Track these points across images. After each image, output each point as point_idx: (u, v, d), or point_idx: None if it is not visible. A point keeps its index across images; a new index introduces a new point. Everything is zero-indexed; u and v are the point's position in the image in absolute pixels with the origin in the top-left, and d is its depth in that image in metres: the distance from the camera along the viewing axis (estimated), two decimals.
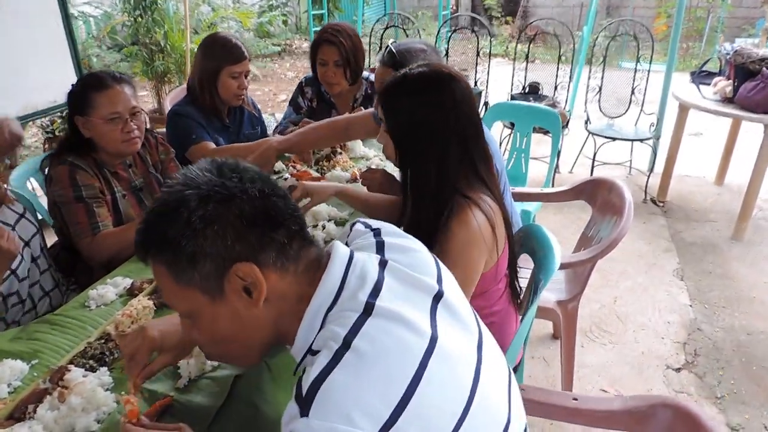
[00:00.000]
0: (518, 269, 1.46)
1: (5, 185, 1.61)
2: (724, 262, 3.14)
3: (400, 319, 0.73)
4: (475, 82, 4.27)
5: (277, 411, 1.03)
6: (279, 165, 2.10)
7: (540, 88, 4.10)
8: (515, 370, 1.54)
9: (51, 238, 1.82)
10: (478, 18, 4.46)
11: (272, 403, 1.05)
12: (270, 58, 8.85)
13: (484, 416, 0.73)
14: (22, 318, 1.56)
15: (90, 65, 6.79)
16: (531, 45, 4.22)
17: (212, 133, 2.11)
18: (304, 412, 0.64)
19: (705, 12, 8.06)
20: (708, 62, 3.62)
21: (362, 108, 2.34)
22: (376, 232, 0.93)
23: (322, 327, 0.76)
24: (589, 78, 4.07)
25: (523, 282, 1.59)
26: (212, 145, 2.05)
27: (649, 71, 3.89)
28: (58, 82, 3.27)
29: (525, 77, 4.17)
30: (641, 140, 3.80)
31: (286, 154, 2.12)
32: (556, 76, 4.07)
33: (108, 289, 1.35)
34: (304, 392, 0.66)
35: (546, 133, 3.45)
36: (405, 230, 1.33)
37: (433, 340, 0.72)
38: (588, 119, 3.95)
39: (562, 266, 1.81)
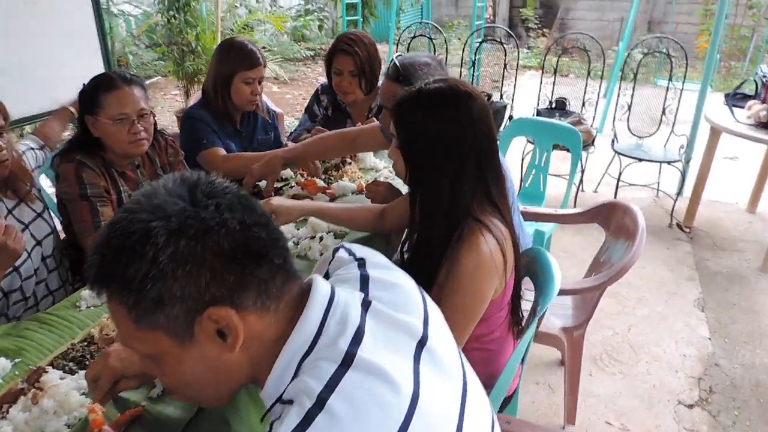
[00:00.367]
0: (522, 294, 1.41)
1: (29, 184, 1.65)
2: (750, 295, 3.01)
3: (382, 374, 0.66)
4: (501, 95, 4.21)
5: (250, 431, 1.01)
6: (287, 173, 2.10)
7: (567, 103, 4.02)
8: (509, 399, 1.49)
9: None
10: (505, 29, 4.39)
11: (246, 422, 1.03)
12: (303, 62, 8.93)
13: None
14: (23, 315, 1.59)
15: (127, 62, 6.97)
16: (566, 59, 4.15)
17: (224, 138, 2.12)
18: None
19: (749, 31, 7.81)
20: (744, 84, 3.48)
21: (375, 119, 2.32)
22: (361, 263, 0.87)
23: (295, 376, 0.69)
24: (618, 95, 3.96)
25: (527, 305, 1.54)
26: (222, 152, 2.06)
27: (682, 90, 3.77)
28: (87, 78, 3.35)
29: (552, 92, 4.09)
30: (669, 162, 3.68)
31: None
32: (584, 92, 3.98)
33: None
34: None
35: (569, 150, 3.37)
36: (413, 249, 1.31)
37: (415, 399, 0.66)
38: (615, 138, 3.85)
39: (568, 292, 1.77)
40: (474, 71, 4.71)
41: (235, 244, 0.66)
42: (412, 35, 4.36)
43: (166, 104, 6.39)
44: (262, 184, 1.95)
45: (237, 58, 2.05)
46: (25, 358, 1.16)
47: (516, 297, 1.36)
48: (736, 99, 3.38)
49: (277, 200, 1.57)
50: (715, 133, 3.40)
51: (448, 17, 11.60)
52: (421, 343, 0.75)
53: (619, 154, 3.77)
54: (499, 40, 4.27)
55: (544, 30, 10.33)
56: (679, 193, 3.87)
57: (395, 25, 9.02)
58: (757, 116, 3.07)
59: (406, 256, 1.32)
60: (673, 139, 3.84)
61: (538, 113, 4.04)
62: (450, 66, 5.72)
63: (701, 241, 3.55)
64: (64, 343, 1.20)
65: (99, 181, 1.67)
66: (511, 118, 4.02)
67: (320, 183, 1.94)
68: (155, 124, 1.83)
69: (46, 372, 1.06)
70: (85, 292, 1.36)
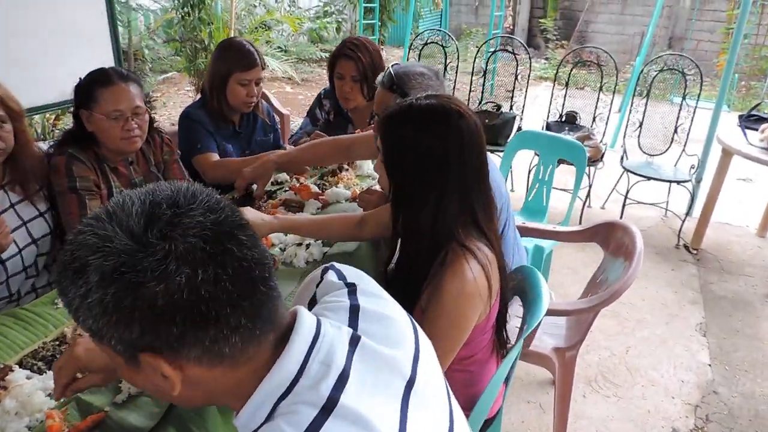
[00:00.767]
0: (508, 317, 1.38)
1: (39, 185, 1.65)
2: (754, 322, 2.93)
3: (364, 424, 0.62)
4: (512, 106, 4.17)
5: None
6: (283, 176, 2.08)
7: (578, 117, 3.96)
8: (491, 421, 1.45)
9: None
10: (519, 40, 4.35)
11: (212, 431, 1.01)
12: (318, 63, 8.94)
13: None
14: (3, 309, 1.58)
15: (143, 57, 7.02)
16: (583, 72, 4.10)
17: (220, 140, 2.11)
18: None
19: None
20: (759, 106, 3.41)
21: None
22: (351, 289, 0.81)
23: (270, 417, 0.64)
24: (630, 111, 3.90)
25: (518, 321, 1.51)
26: (215, 157, 2.05)
27: (695, 109, 3.71)
28: None
29: (564, 104, 4.04)
30: (679, 182, 3.61)
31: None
32: (596, 106, 3.93)
33: None
34: None
35: None
36: (395, 269, 1.28)
37: None
38: (625, 154, 3.79)
39: (558, 313, 1.72)
40: (486, 81, 4.67)
41: (172, 302, 0.57)
42: (425, 42, 4.33)
43: (179, 100, 6.42)
44: (255, 187, 1.93)
45: (233, 58, 2.03)
46: None
47: (501, 320, 1.32)
48: (750, 121, 3.31)
49: (249, 215, 1.52)
50: (727, 154, 3.33)
51: (467, 25, 11.56)
52: (410, 384, 0.71)
53: (628, 171, 3.71)
54: (511, 50, 4.23)
55: (563, 42, 10.26)
56: (688, 213, 3.79)
57: (413, 31, 9.02)
58: None
59: (389, 274, 1.29)
60: (684, 159, 3.78)
61: (548, 126, 3.99)
62: (462, 74, 5.68)
63: (708, 264, 3.48)
64: (36, 341, 1.19)
65: (89, 174, 1.67)
66: (519, 130, 3.98)
67: (314, 189, 1.91)
68: (152, 121, 1.83)
69: (12, 371, 1.05)
70: None
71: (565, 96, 4.01)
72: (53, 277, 1.72)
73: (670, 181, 3.66)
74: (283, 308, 0.69)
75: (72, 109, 1.74)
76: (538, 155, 3.45)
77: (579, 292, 3.03)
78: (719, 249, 3.66)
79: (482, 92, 4.48)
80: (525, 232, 2.15)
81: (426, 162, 1.15)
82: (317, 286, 0.87)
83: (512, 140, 2.89)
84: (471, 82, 4.54)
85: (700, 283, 3.27)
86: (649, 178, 3.61)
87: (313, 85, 7.92)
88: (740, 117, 3.40)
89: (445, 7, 9.85)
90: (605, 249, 2.02)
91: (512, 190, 4.27)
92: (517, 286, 1.53)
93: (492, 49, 4.66)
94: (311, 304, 0.85)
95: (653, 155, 3.84)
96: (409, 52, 4.64)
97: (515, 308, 1.67)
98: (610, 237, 1.98)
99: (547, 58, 9.99)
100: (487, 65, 4.36)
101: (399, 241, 1.23)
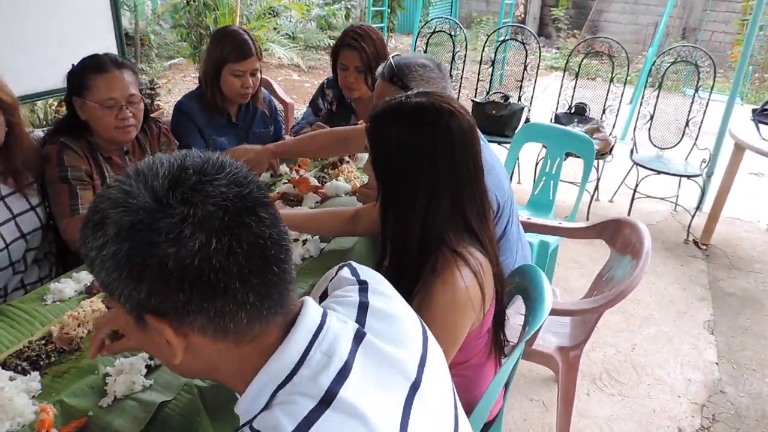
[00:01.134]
0: (507, 318, 1.33)
1: (33, 178, 1.62)
2: (762, 320, 2.88)
3: (362, 420, 0.61)
4: (520, 97, 4.09)
5: None
6: (283, 168, 2.04)
7: (587, 109, 3.88)
8: (491, 423, 1.42)
9: None
10: (528, 30, 4.26)
11: None
12: (325, 50, 8.85)
13: None
14: None
15: (149, 42, 6.97)
16: (595, 62, 4.01)
17: (211, 133, 2.06)
18: None
19: None
20: None
21: None
22: (363, 287, 0.80)
23: (268, 406, 0.63)
24: (641, 104, 3.82)
25: (520, 318, 1.46)
26: None
27: (708, 101, 3.62)
28: None
29: (572, 96, 3.96)
30: (689, 177, 3.54)
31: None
32: (606, 98, 3.85)
33: (67, 284, 1.31)
34: None
35: None
36: (385, 274, 1.23)
37: None
38: (635, 147, 3.71)
39: (562, 313, 1.68)
40: (495, 70, 4.59)
41: (183, 266, 0.57)
42: (432, 30, 4.25)
43: (185, 86, 6.37)
44: None
45: (227, 48, 1.96)
46: None
47: (499, 323, 1.27)
48: (764, 115, 3.22)
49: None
50: (739, 149, 3.25)
51: (477, 13, 11.40)
52: (414, 387, 0.70)
53: (638, 165, 3.63)
54: (521, 40, 4.14)
55: (575, 31, 10.10)
56: (698, 208, 3.72)
57: (422, 18, 8.89)
58: None
59: None
60: (695, 152, 3.69)
61: (557, 117, 3.91)
62: (473, 63, 5.59)
63: (717, 260, 3.42)
64: (22, 339, 1.16)
65: (81, 164, 1.63)
66: (527, 121, 3.91)
67: (313, 181, 1.87)
68: (147, 110, 1.78)
69: None
70: (53, 285, 1.31)
71: (575, 87, 3.93)
72: (44, 272, 1.69)
73: (681, 176, 3.57)
74: (295, 294, 0.69)
75: (65, 96, 1.70)
76: (545, 147, 3.39)
77: (585, 288, 2.98)
78: (729, 245, 3.59)
79: (491, 82, 4.39)
80: (529, 228, 2.10)
81: (414, 162, 1.11)
82: (330, 281, 0.86)
83: (519, 132, 2.83)
84: (479, 71, 4.45)
85: (708, 280, 3.21)
86: (659, 172, 3.54)
87: (321, 72, 7.85)
88: (754, 111, 3.31)
89: None
90: (612, 246, 1.97)
91: (519, 183, 4.21)
92: (520, 285, 1.48)
93: (502, 38, 4.57)
94: (322, 298, 0.84)
95: (664, 149, 3.76)
96: (417, 39, 4.56)
97: (518, 305, 1.63)
98: (617, 234, 1.93)
99: (558, 48, 9.84)
100: (496, 55, 4.27)
101: (389, 244, 1.18)
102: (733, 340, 2.71)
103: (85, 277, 1.35)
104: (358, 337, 0.69)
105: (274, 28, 6.75)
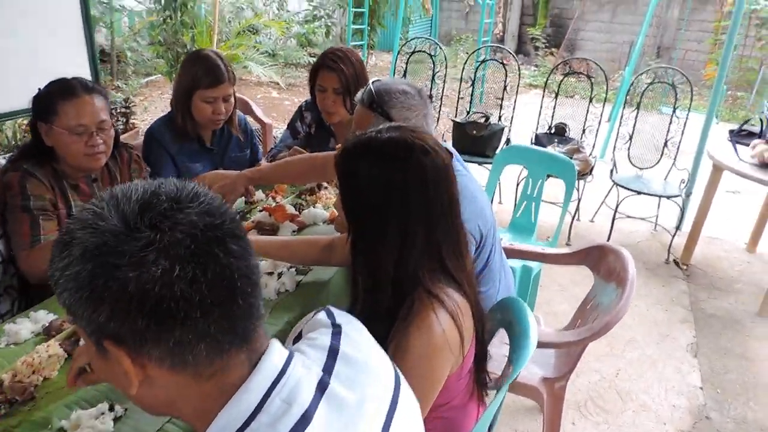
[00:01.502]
0: (489, 356, 1.28)
1: None
2: (744, 341, 2.87)
3: None
4: (500, 117, 4.09)
5: None
6: (259, 195, 1.97)
7: (567, 129, 3.89)
8: None
9: None
10: (508, 50, 4.28)
11: None
12: (305, 68, 8.83)
13: None
14: None
15: (126, 58, 6.87)
16: (572, 80, 4.03)
17: (184, 161, 1.99)
18: None
19: (757, 63, 7.70)
20: (749, 121, 3.36)
21: None
22: (336, 330, 0.78)
23: None
24: (620, 124, 3.84)
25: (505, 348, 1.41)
26: None
27: (686, 122, 3.65)
28: (70, 74, 3.23)
29: (552, 116, 3.97)
30: (669, 197, 3.55)
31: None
32: (585, 118, 3.87)
33: (23, 325, 1.22)
34: None
35: None
36: (357, 318, 1.18)
37: None
38: (615, 168, 3.72)
39: (546, 346, 1.63)
40: (475, 89, 4.60)
41: (143, 291, 0.56)
42: (412, 50, 4.24)
43: (162, 104, 6.28)
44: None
45: (198, 73, 1.89)
46: None
47: (480, 362, 1.22)
48: (740, 136, 3.26)
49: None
50: (718, 170, 3.27)
51: (456, 31, 11.51)
52: None
53: (618, 185, 3.64)
54: (500, 60, 4.15)
55: (553, 49, 10.24)
56: (678, 228, 3.73)
57: (402, 36, 8.93)
58: (761, 156, 2.94)
59: None
60: (674, 172, 3.72)
61: (537, 138, 3.91)
62: (451, 81, 5.61)
63: (698, 280, 3.42)
64: None
65: (44, 193, 1.56)
66: (508, 141, 3.90)
67: (290, 209, 1.80)
68: (117, 135, 1.72)
69: None
70: (8, 326, 1.22)
71: (554, 107, 3.94)
72: (5, 308, 1.60)
73: (661, 196, 3.59)
74: (263, 331, 0.68)
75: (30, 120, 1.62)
76: (527, 169, 3.38)
77: (567, 311, 2.97)
78: (709, 265, 3.60)
79: (471, 100, 4.40)
80: (512, 254, 2.06)
81: (385, 199, 1.05)
82: (306, 323, 0.85)
83: (500, 154, 2.81)
84: (459, 89, 4.45)
85: (690, 301, 3.20)
86: (639, 193, 3.55)
87: (301, 90, 7.81)
88: (731, 132, 3.35)
89: (435, 13, 9.78)
90: (596, 273, 1.94)
91: (500, 203, 4.19)
92: (503, 320, 1.43)
93: (481, 58, 4.58)
94: (296, 340, 0.82)
95: (643, 168, 3.78)
96: (398, 58, 4.56)
97: (502, 334, 1.58)
98: (600, 261, 1.90)
99: (536, 66, 9.96)
100: (476, 74, 4.27)
101: (360, 285, 1.12)
102: (716, 363, 2.69)
103: (43, 317, 1.27)
104: (322, 386, 0.67)
105: (254, 46, 6.71)
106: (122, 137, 3.91)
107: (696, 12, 9.04)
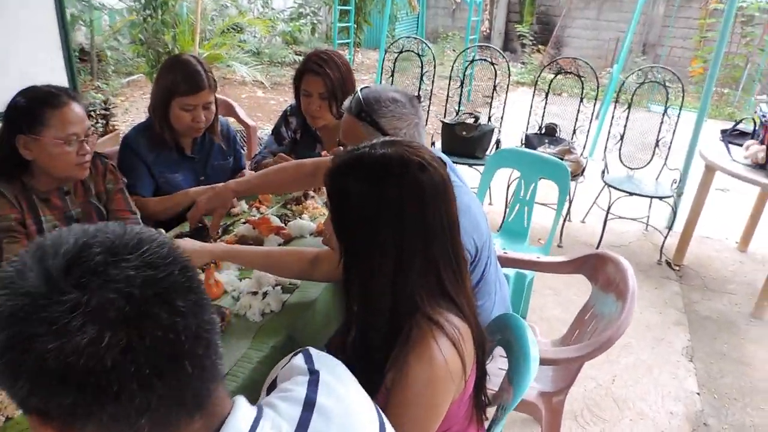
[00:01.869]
0: (488, 377, 1.21)
1: None
2: (740, 344, 2.84)
3: None
4: (489, 118, 4.03)
5: None
6: (242, 206, 1.88)
7: (557, 130, 3.84)
8: None
9: None
10: (497, 50, 4.22)
11: None
12: (291, 66, 8.71)
13: None
14: None
15: (106, 58, 6.70)
16: (558, 79, 3.97)
17: (162, 171, 1.90)
18: None
19: (743, 60, 7.73)
20: (742, 121, 3.33)
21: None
22: (313, 378, 0.71)
23: None
24: (611, 124, 3.79)
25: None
26: (142, 199, 1.84)
27: (677, 122, 3.61)
28: (47, 77, 3.10)
29: (543, 116, 3.91)
30: (661, 198, 3.51)
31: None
32: (576, 119, 3.81)
33: None
34: None
35: None
36: (352, 345, 1.10)
37: None
38: (606, 169, 3.68)
39: (547, 362, 1.56)
40: (463, 88, 4.54)
41: (66, 365, 0.48)
42: (400, 50, 4.16)
43: (143, 104, 6.13)
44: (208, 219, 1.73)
45: (176, 80, 1.79)
46: None
47: (479, 386, 1.15)
48: (732, 136, 3.22)
49: (186, 243, 1.37)
50: (710, 170, 3.24)
51: (443, 28, 11.44)
52: None
53: (610, 186, 3.59)
54: (489, 60, 4.09)
55: (540, 46, 10.22)
56: (670, 228, 3.70)
57: (389, 33, 8.84)
58: (755, 157, 2.91)
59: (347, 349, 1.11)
60: (665, 173, 3.68)
61: (527, 138, 3.85)
62: (440, 79, 5.53)
63: (691, 281, 3.39)
64: None
65: (10, 213, 1.46)
66: (498, 142, 3.84)
67: (275, 221, 1.72)
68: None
69: None
70: None
71: (545, 108, 3.88)
72: None
73: (652, 197, 3.55)
74: (221, 392, 0.60)
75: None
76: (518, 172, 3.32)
77: (561, 316, 2.91)
78: (701, 265, 3.57)
79: (459, 99, 4.33)
80: (506, 262, 1.99)
81: (379, 220, 0.98)
82: (282, 368, 0.78)
83: (491, 158, 2.74)
84: (448, 88, 4.38)
85: (684, 302, 3.16)
86: (631, 194, 3.50)
87: (287, 89, 7.69)
88: (723, 132, 3.31)
89: (422, 11, 9.70)
90: (593, 283, 1.88)
91: (491, 204, 4.13)
92: (501, 340, 1.37)
93: (470, 59, 4.52)
94: (271, 389, 0.76)
95: (634, 168, 3.74)
96: (385, 56, 4.47)
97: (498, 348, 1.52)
98: (598, 270, 1.84)
99: (523, 63, 9.93)
100: (464, 74, 4.21)
101: (354, 311, 1.05)
102: (712, 367, 2.65)
103: None
104: None
105: (238, 45, 6.57)
106: (101, 140, 3.78)
107: (682, 9, 9.06)
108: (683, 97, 3.58)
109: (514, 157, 2.74)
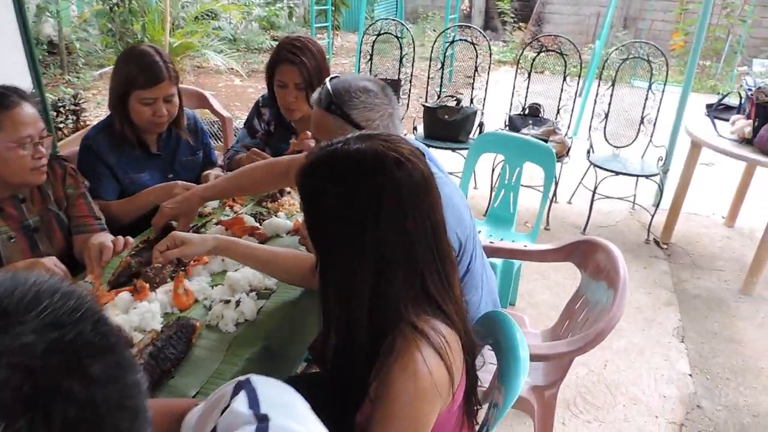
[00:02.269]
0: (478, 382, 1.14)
1: None
2: (730, 322, 2.82)
3: None
4: (472, 100, 3.93)
5: None
6: (213, 204, 1.79)
7: (541, 110, 3.76)
8: None
9: None
10: (478, 30, 4.11)
11: None
12: (268, 52, 8.51)
13: None
14: None
15: (76, 50, 6.48)
16: (541, 56, 3.87)
17: (126, 171, 1.79)
18: None
19: (724, 31, 7.68)
20: (727, 95, 3.27)
21: None
22: (262, 426, 0.61)
23: None
24: (595, 102, 3.72)
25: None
26: (107, 201, 1.74)
27: (661, 99, 3.55)
28: (6, 74, 2.95)
29: (526, 97, 3.83)
30: (647, 176, 3.46)
31: None
32: (560, 98, 3.73)
33: None
34: None
35: None
36: (333, 359, 1.03)
37: None
38: (591, 148, 3.61)
39: (537, 358, 1.50)
40: (444, 69, 4.44)
41: None
42: (378, 33, 4.04)
43: None
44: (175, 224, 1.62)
45: (132, 72, 1.68)
46: None
47: (470, 392, 1.08)
48: (718, 111, 3.17)
49: (183, 234, 1.31)
50: (696, 146, 3.19)
51: (423, 8, 11.25)
52: None
53: (596, 166, 3.53)
54: (470, 40, 3.98)
55: (521, 24, 10.09)
56: (657, 205, 3.66)
57: (368, 15, 8.65)
58: (741, 132, 2.86)
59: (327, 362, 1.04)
60: (651, 150, 3.63)
61: (510, 120, 3.77)
62: (420, 60, 5.41)
63: (679, 259, 3.36)
64: None
65: None
66: (481, 125, 3.75)
67: (248, 221, 1.63)
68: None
69: None
70: None
71: (527, 88, 3.80)
72: None
73: (639, 176, 3.49)
74: None
75: None
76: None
77: (552, 300, 2.87)
78: (689, 242, 3.54)
79: (441, 81, 4.23)
80: (493, 252, 1.93)
81: (355, 223, 0.90)
82: (221, 413, 0.66)
83: (475, 143, 2.65)
84: (429, 69, 4.27)
85: (673, 281, 3.13)
86: (617, 173, 3.44)
87: (263, 76, 7.52)
88: (708, 107, 3.26)
89: None
90: (582, 270, 1.82)
91: (476, 188, 4.06)
92: (488, 335, 1.30)
93: (449, 40, 4.40)
94: None
95: (619, 147, 3.68)
96: (363, 38, 4.35)
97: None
98: (588, 258, 1.78)
99: (505, 41, 9.81)
100: (445, 56, 4.10)
101: (333, 321, 0.97)
102: (703, 347, 2.63)
103: None
104: None
105: (212, 32, 6.38)
106: (71, 138, 3.62)
107: None
108: (667, 72, 3.51)
109: (497, 141, 2.66)
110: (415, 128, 3.80)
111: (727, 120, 3.03)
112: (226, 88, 6.77)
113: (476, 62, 3.89)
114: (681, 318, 2.83)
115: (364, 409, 0.95)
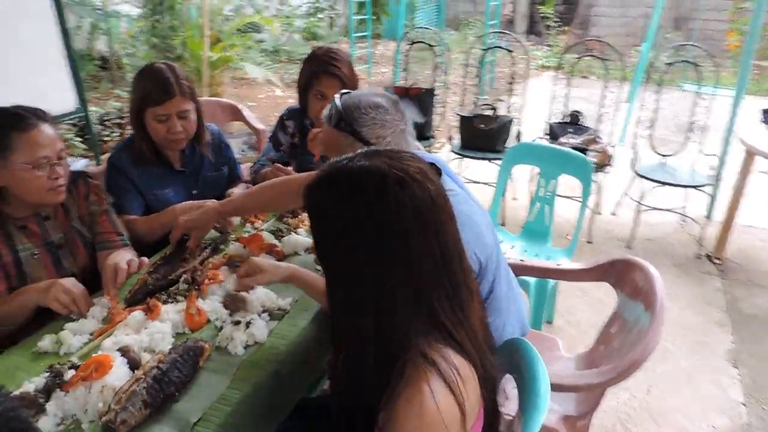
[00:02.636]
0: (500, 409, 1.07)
1: None
2: None
3: None
4: (509, 108, 3.82)
5: None
6: (236, 220, 1.77)
7: (581, 118, 3.61)
8: None
9: None
10: (513, 35, 4.00)
11: None
12: None
13: None
14: None
15: (123, 65, 6.71)
16: (586, 60, 3.73)
17: (150, 188, 1.80)
18: None
19: None
20: None
21: None
22: None
23: None
24: (641, 107, 3.54)
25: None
26: (130, 218, 1.74)
27: (712, 104, 3.34)
28: (52, 90, 3.07)
29: (566, 103, 3.69)
30: (697, 187, 3.26)
31: None
32: (600, 105, 3.58)
33: None
34: None
35: None
36: (342, 385, 0.98)
37: None
38: (636, 157, 3.44)
39: (566, 389, 1.40)
40: (482, 77, 4.34)
41: None
42: (410, 43, 3.99)
43: None
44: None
45: (144, 89, 1.69)
46: None
47: (491, 418, 1.00)
48: None
49: (259, 260, 1.32)
50: (751, 155, 2.98)
51: (464, 14, 11.16)
52: None
53: (641, 176, 3.35)
54: (506, 48, 3.88)
55: (565, 27, 9.86)
56: (708, 217, 3.44)
57: (409, 22, 8.63)
58: None
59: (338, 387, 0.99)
60: (701, 159, 3.42)
61: (550, 128, 3.64)
62: (461, 67, 5.34)
63: (733, 276, 3.14)
64: None
65: None
66: (519, 134, 3.64)
67: (267, 238, 1.60)
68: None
69: None
70: None
71: (566, 93, 3.66)
72: None
73: (688, 187, 3.29)
74: None
75: None
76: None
77: (591, 319, 2.72)
78: (745, 258, 3.31)
79: (480, 87, 4.14)
80: (524, 271, 1.83)
81: (356, 243, 0.86)
82: None
83: (508, 154, 2.56)
84: (465, 78, 4.19)
85: (726, 300, 2.93)
86: (665, 184, 3.26)
87: None
88: (764, 112, 3.05)
89: None
90: (619, 290, 1.70)
91: (515, 199, 3.94)
92: (510, 362, 1.22)
93: (488, 46, 4.31)
94: None
95: (667, 156, 3.49)
96: (395, 56, 4.33)
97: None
98: (624, 278, 1.66)
99: (549, 46, 9.59)
100: (482, 62, 4.01)
101: (340, 353, 0.92)
102: (759, 374, 2.43)
103: None
104: None
105: (253, 45, 6.49)
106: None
107: None
108: (718, 76, 3.31)
109: (531, 152, 2.55)
110: (450, 137, 3.72)
111: None
112: (267, 99, 6.87)
113: (513, 69, 3.78)
114: (734, 340, 2.63)
115: None
